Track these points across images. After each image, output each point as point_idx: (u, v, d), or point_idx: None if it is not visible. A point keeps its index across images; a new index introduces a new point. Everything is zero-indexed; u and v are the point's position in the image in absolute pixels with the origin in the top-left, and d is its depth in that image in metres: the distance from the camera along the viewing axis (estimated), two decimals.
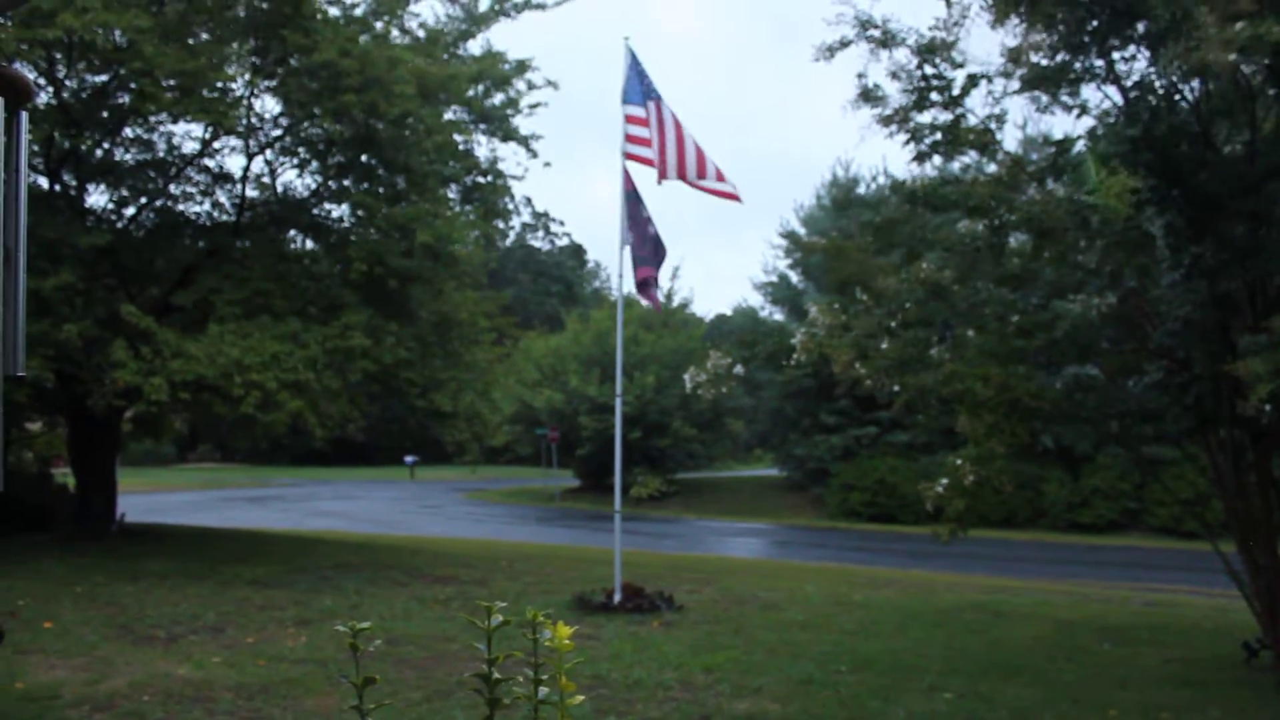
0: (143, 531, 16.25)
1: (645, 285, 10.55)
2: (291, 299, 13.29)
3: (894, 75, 7.86)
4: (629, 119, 10.33)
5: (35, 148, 12.54)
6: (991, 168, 8.02)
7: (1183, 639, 9.20)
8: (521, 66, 15.01)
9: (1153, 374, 7.87)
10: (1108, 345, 7.90)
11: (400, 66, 12.68)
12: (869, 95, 7.95)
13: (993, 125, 7.81)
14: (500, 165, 15.57)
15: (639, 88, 10.38)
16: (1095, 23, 6.99)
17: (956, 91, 7.75)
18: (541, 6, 14.73)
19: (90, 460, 15.23)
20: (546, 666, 2.03)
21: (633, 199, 10.46)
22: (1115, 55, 7.36)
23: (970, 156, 8.16)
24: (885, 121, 7.94)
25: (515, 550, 16.86)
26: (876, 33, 7.68)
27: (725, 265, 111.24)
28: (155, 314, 13.12)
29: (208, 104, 12.31)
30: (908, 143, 7.97)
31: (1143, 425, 7.82)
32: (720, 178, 10.32)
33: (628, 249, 10.47)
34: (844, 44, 7.79)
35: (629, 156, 10.35)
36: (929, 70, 7.74)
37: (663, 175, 10.17)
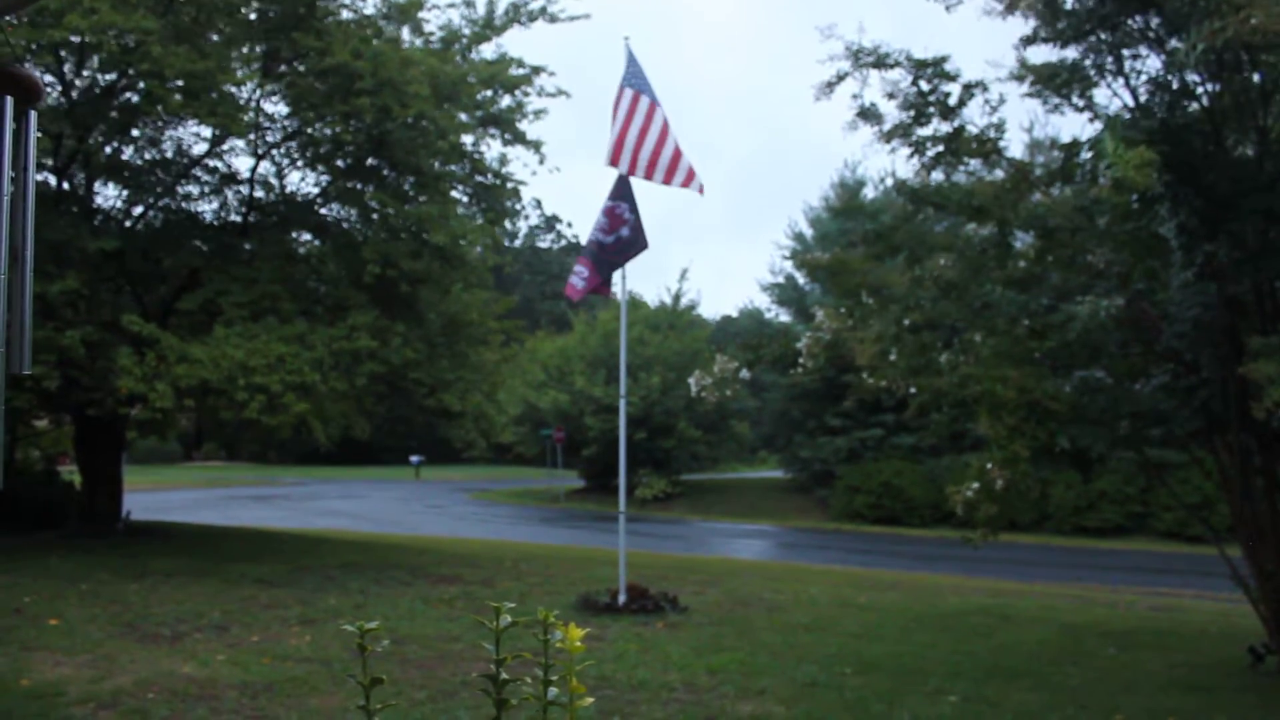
0: (148, 529, 16.28)
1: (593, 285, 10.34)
2: (299, 300, 13.28)
3: (890, 95, 7.91)
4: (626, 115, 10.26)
5: (44, 147, 12.56)
6: (998, 174, 8.02)
7: (1188, 644, 9.17)
8: (536, 71, 14.96)
9: (1160, 377, 7.85)
10: (1116, 348, 7.89)
11: (413, 68, 12.67)
12: (867, 114, 8.01)
13: (993, 134, 7.82)
14: (508, 168, 15.59)
15: (629, 81, 10.29)
16: (1104, 8, 6.99)
17: (953, 103, 7.78)
18: (554, 19, 14.73)
19: (96, 458, 15.26)
20: (555, 667, 2.02)
21: (615, 193, 10.30)
22: (1124, 53, 7.36)
23: (974, 165, 8.17)
24: (886, 138, 7.98)
25: (520, 551, 16.86)
26: (870, 58, 7.74)
27: (741, 263, 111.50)
28: (161, 317, 13.13)
29: (216, 106, 12.31)
30: (911, 156, 8.01)
31: (1151, 428, 7.80)
32: (688, 179, 10.15)
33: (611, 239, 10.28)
34: (841, 77, 7.87)
35: (615, 162, 10.24)
36: (924, 86, 7.78)
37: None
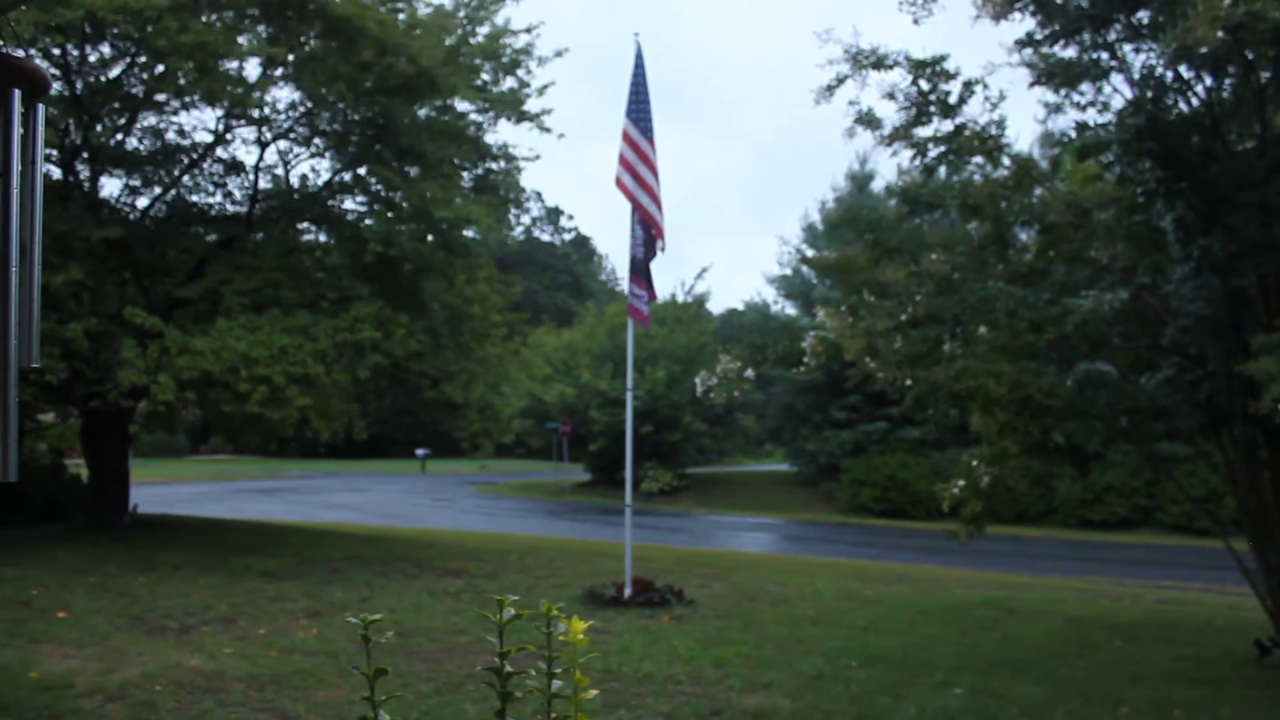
0: (155, 522, 16.34)
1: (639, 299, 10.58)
2: (302, 290, 13.25)
3: (889, 96, 7.91)
4: (626, 137, 10.29)
5: (48, 138, 12.54)
6: (1003, 172, 8.01)
7: (1194, 636, 9.17)
8: (530, 29, 14.69)
9: (1165, 370, 7.84)
10: (1119, 341, 7.88)
11: (420, 27, 12.58)
12: (865, 120, 8.01)
13: (994, 131, 7.81)
14: (513, 150, 15.46)
15: (645, 113, 10.33)
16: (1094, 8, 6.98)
17: (954, 101, 7.77)
18: None
19: (102, 451, 15.29)
20: (559, 660, 2.03)
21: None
22: (1125, 48, 7.35)
23: (978, 162, 8.17)
24: (888, 141, 7.98)
25: (526, 544, 16.88)
26: (869, 60, 7.75)
27: (758, 248, 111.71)
28: (165, 309, 13.11)
29: (227, 82, 12.23)
30: (914, 158, 8.01)
31: (1154, 422, 7.80)
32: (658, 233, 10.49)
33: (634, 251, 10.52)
34: (840, 80, 7.87)
35: (619, 183, 10.31)
36: (924, 86, 7.77)
37: (660, 236, 10.38)
